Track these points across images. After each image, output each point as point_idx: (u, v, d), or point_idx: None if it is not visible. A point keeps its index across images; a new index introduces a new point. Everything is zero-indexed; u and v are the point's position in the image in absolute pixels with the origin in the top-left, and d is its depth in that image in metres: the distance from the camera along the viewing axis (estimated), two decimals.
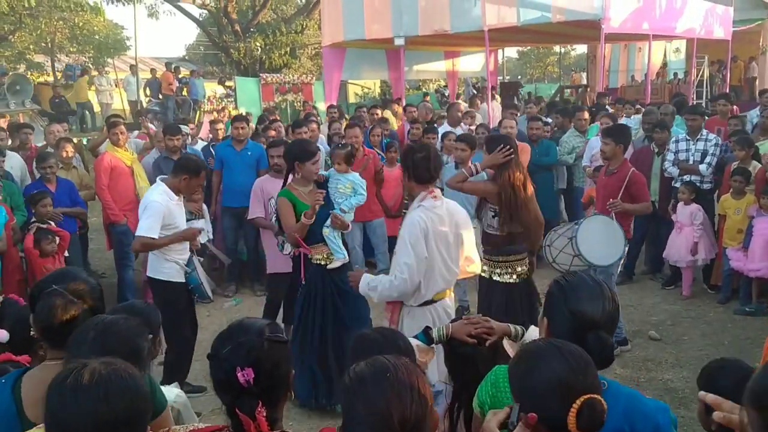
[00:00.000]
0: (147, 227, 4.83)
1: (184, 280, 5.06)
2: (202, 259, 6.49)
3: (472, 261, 4.14)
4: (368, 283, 3.86)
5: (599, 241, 5.43)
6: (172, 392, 3.14)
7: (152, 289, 5.26)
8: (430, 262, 3.75)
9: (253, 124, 13.73)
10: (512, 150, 4.79)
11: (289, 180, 5.23)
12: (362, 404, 1.52)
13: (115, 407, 1.58)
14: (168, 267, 5.02)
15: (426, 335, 2.62)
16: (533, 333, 2.58)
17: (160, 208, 4.85)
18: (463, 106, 13.17)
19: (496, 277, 4.97)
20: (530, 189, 4.88)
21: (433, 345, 2.64)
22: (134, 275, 7.41)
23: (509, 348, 2.63)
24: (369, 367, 1.60)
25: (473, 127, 9.30)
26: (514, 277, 4.95)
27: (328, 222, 5.03)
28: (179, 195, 5.06)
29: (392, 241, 8.16)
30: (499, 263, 4.98)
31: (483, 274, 5.00)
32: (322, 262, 5.04)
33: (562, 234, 5.55)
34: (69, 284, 2.34)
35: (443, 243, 3.80)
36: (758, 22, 20.01)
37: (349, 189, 5.65)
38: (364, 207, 7.72)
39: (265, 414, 1.81)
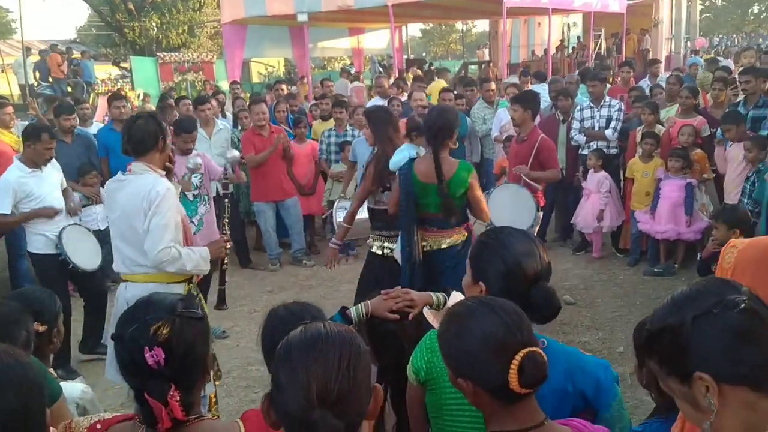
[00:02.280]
0: None
1: (53, 252, 5.14)
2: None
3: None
4: None
5: (510, 209, 5.40)
6: (76, 388, 2.90)
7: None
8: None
9: (151, 105, 13.21)
10: None
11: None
12: (284, 372, 1.38)
13: (5, 400, 1.37)
14: (35, 240, 5.20)
15: (343, 316, 2.44)
16: (456, 298, 2.46)
17: (6, 184, 5.08)
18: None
19: (388, 252, 4.91)
20: None
21: (353, 326, 2.47)
22: (29, 264, 6.91)
23: (431, 317, 2.50)
24: (301, 335, 1.44)
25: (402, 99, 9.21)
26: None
27: None
28: (35, 166, 5.17)
29: (306, 220, 8.06)
30: (391, 237, 4.92)
31: (375, 251, 4.96)
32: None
33: None
34: None
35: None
36: None
37: None
38: (275, 186, 7.52)
39: (178, 398, 1.62)
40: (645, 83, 10.27)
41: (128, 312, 1.74)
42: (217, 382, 3.87)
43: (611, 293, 6.47)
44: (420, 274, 4.47)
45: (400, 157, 4.62)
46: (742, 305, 1.26)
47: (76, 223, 5.58)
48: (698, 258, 6.24)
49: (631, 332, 5.51)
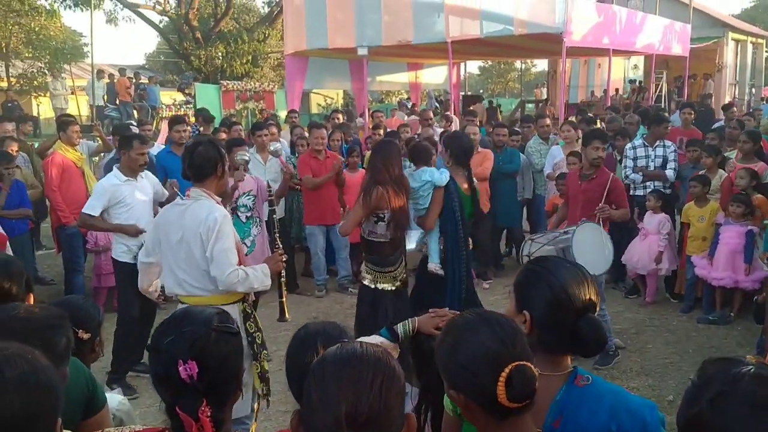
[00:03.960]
0: (88, 205, 5.41)
1: (131, 261, 5.24)
2: None
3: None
4: None
5: (591, 250, 5.12)
6: (114, 399, 2.93)
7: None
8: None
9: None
10: None
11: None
12: (316, 390, 1.34)
13: (9, 400, 1.33)
14: (118, 247, 5.46)
15: (390, 331, 2.44)
16: None
17: (102, 188, 5.40)
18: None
19: (380, 286, 4.93)
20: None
21: (398, 342, 2.45)
22: (84, 281, 7.09)
23: None
24: (336, 352, 1.41)
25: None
26: (398, 283, 4.99)
27: None
28: (131, 174, 5.42)
29: (354, 247, 8.07)
30: (384, 273, 4.93)
31: (367, 284, 4.98)
32: None
33: (545, 244, 5.25)
34: None
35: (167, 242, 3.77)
36: (715, 40, 20.49)
37: None
38: (327, 210, 7.58)
39: (209, 414, 1.61)
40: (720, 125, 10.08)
41: (164, 324, 1.74)
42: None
43: (663, 339, 6.26)
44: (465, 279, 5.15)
45: (447, 174, 5.08)
46: (748, 375, 1.25)
47: None
48: (754, 301, 6.03)
49: (682, 380, 5.34)
